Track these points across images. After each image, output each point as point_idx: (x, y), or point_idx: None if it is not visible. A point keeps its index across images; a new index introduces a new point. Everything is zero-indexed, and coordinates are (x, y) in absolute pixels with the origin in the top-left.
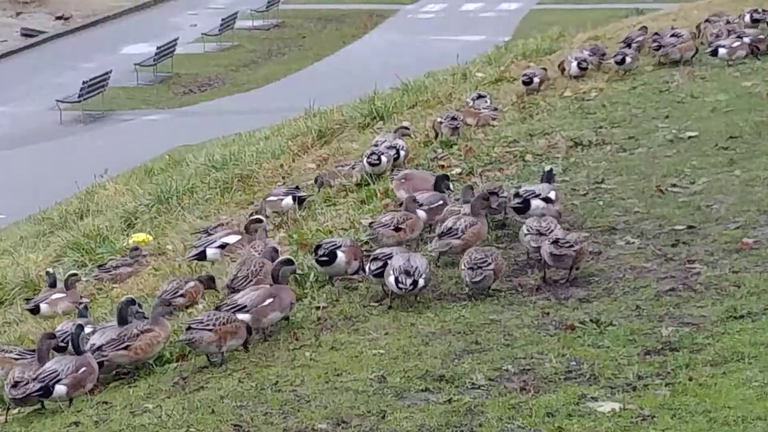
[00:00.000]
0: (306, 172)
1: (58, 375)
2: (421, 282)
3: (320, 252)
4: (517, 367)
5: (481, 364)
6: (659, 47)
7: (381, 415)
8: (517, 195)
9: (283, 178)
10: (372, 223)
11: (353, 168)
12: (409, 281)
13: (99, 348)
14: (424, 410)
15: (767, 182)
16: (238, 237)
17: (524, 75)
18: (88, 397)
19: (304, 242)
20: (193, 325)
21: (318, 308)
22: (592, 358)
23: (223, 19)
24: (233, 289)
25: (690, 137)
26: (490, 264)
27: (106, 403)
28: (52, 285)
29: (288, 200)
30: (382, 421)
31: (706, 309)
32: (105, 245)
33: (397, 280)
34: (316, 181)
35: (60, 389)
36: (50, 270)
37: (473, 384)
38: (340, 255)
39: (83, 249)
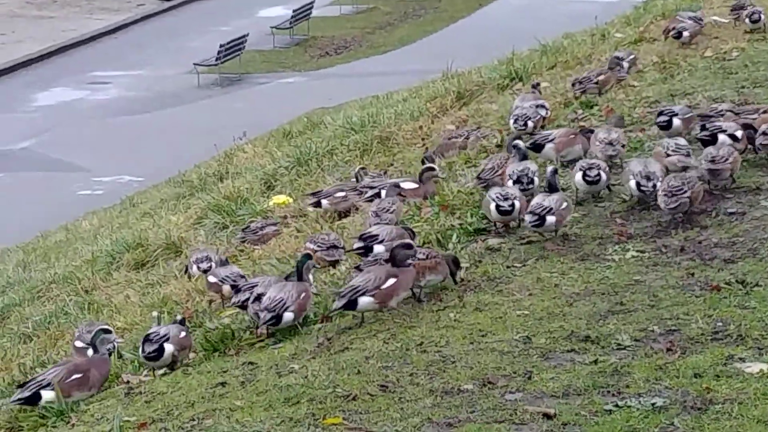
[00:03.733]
0: (444, 133)
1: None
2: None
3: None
4: (662, 328)
5: (626, 324)
6: None
7: (527, 376)
8: (703, 128)
9: (423, 139)
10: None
11: (467, 138)
12: (650, 184)
13: None
14: (570, 371)
15: None
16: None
17: (674, 29)
18: (234, 359)
19: (445, 204)
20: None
21: (462, 269)
22: (738, 319)
23: None
24: None
25: None
26: (686, 192)
27: (251, 363)
28: None
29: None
30: (529, 381)
31: None
32: (245, 207)
33: (638, 184)
34: (423, 162)
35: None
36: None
37: (619, 345)
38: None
39: (224, 211)
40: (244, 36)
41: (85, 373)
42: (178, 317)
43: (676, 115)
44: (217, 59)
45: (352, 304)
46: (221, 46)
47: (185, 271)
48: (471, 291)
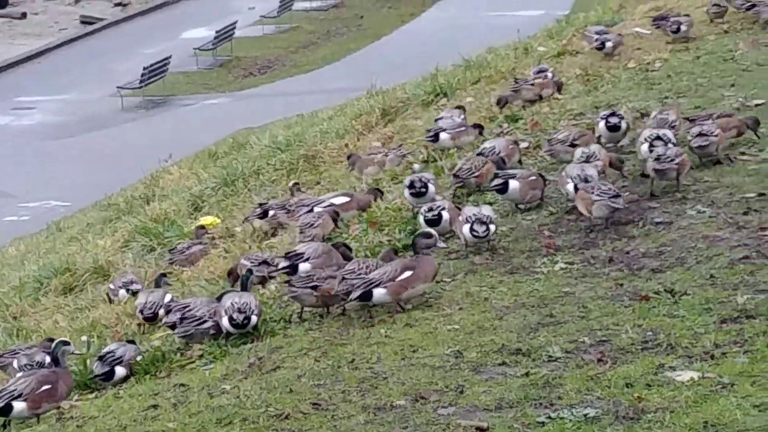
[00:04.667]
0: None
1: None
2: None
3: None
4: (593, 339)
5: (557, 336)
6: (752, 6)
7: (459, 390)
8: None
9: (348, 156)
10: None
11: (386, 156)
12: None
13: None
14: (502, 384)
15: None
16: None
17: (597, 40)
18: (165, 381)
19: (374, 221)
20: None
21: None
22: (668, 328)
23: (281, 1)
24: None
25: (757, 105)
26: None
27: (183, 385)
28: None
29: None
30: (461, 395)
31: None
32: (173, 229)
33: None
34: (349, 158)
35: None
36: None
37: (550, 357)
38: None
39: (151, 233)
40: (167, 58)
41: (54, 384)
42: None
43: (623, 118)
44: (140, 82)
45: (367, 296)
46: (144, 68)
47: (108, 296)
48: (400, 307)
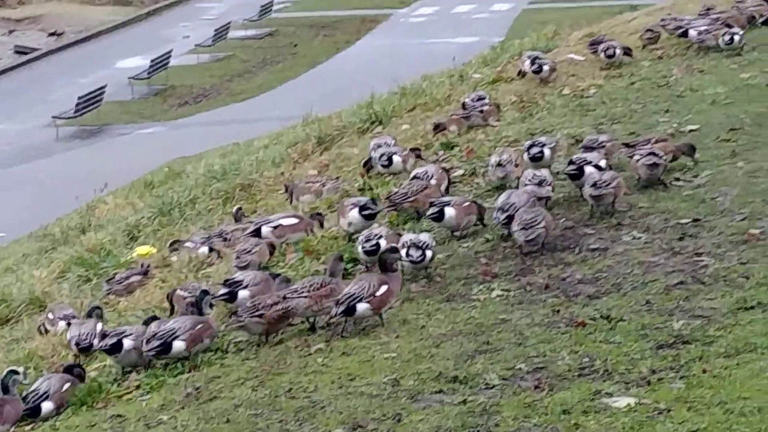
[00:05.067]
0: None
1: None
2: None
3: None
4: (530, 366)
5: (494, 364)
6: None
7: (396, 419)
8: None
9: (285, 186)
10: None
11: (324, 186)
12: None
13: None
14: (439, 412)
15: None
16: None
17: (534, 64)
18: (102, 412)
19: (310, 249)
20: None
21: (329, 314)
22: (604, 354)
23: (215, 30)
24: None
25: (691, 131)
26: (540, 222)
27: (120, 416)
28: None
29: (204, 249)
30: (398, 424)
31: (716, 301)
32: (109, 259)
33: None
34: (286, 188)
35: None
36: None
37: (487, 384)
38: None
39: (87, 264)
40: (102, 87)
41: (1, 408)
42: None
43: (545, 145)
44: (75, 111)
45: (350, 311)
46: (80, 98)
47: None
48: (338, 336)
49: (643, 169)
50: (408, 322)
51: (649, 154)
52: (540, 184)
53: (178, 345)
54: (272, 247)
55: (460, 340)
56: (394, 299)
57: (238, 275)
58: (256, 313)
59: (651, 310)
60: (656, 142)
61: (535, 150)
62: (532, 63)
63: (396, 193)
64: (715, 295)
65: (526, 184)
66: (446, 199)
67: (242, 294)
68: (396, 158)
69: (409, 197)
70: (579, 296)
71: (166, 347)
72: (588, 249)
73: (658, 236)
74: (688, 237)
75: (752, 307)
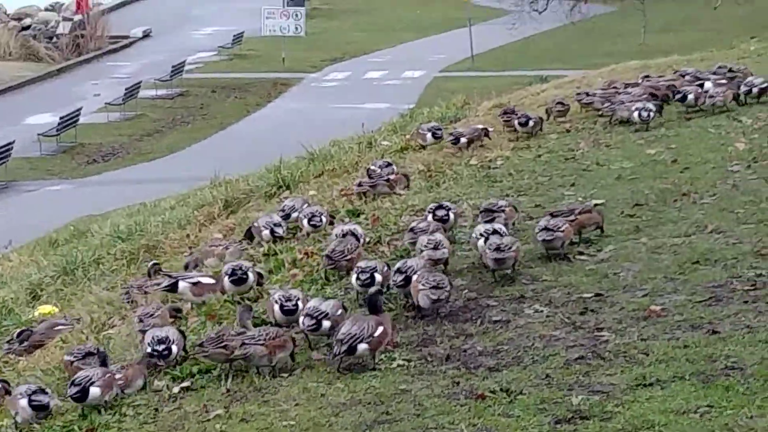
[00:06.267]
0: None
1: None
2: None
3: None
4: None
5: None
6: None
7: None
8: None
9: (190, 248)
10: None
11: (227, 249)
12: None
13: None
14: None
15: (673, 249)
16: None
17: (451, 134)
18: None
19: (212, 314)
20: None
21: (227, 379)
22: (503, 428)
23: (126, 89)
24: None
25: (596, 205)
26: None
27: None
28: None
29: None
30: None
31: (615, 377)
32: (11, 317)
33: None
34: (186, 267)
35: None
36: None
37: None
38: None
39: None
40: (10, 143)
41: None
42: None
43: (451, 209)
44: None
45: (351, 350)
46: None
47: None
48: (237, 401)
49: (539, 242)
50: (308, 390)
51: (544, 229)
52: (436, 247)
53: (95, 391)
54: (176, 311)
55: (360, 410)
56: (388, 339)
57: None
58: (221, 344)
59: (551, 384)
60: (580, 213)
61: (441, 212)
62: (434, 135)
63: (333, 250)
64: (614, 370)
65: (422, 250)
66: (373, 263)
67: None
68: (324, 219)
69: (346, 255)
70: (479, 368)
71: (84, 393)
72: (490, 321)
73: (560, 310)
74: (590, 312)
75: (651, 384)
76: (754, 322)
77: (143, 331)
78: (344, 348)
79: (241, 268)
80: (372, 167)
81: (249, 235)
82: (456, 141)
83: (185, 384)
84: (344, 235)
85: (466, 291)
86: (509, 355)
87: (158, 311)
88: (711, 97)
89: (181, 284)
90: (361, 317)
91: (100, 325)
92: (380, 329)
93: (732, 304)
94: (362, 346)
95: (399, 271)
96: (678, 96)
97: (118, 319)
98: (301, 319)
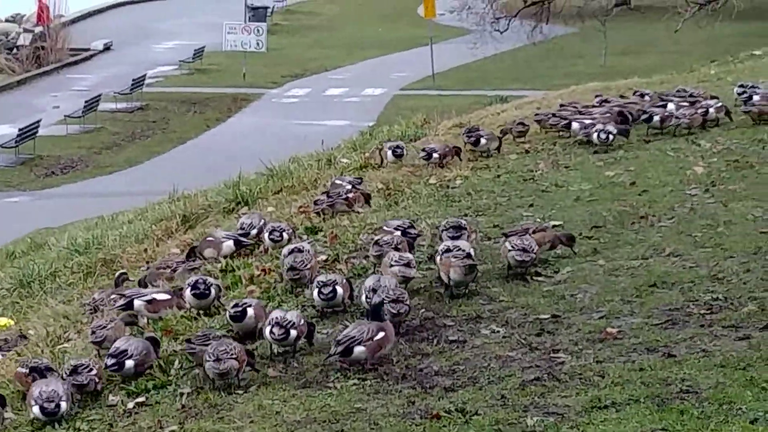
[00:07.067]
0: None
1: None
2: None
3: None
4: None
5: None
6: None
7: None
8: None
9: (147, 263)
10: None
11: (174, 271)
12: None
13: None
14: None
15: (630, 272)
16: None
17: (423, 149)
18: None
19: (169, 329)
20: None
21: (182, 395)
22: None
23: (86, 102)
24: None
25: (554, 226)
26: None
27: None
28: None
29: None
30: None
31: (570, 399)
32: None
33: (366, 297)
34: (139, 284)
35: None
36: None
37: None
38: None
39: None
40: None
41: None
42: None
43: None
44: None
45: (347, 352)
46: None
47: None
48: (192, 418)
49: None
50: (263, 408)
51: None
52: (408, 265)
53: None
54: (131, 317)
55: (315, 428)
56: (390, 345)
57: (121, 344)
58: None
59: (506, 405)
60: (534, 232)
61: (413, 232)
62: (394, 153)
63: (295, 261)
64: (570, 392)
65: (392, 265)
66: (333, 276)
67: (128, 363)
68: (285, 235)
69: (306, 265)
70: (435, 388)
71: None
72: (447, 340)
73: (516, 331)
74: (546, 333)
75: (606, 407)
76: (709, 345)
77: (97, 343)
78: (340, 349)
79: (204, 282)
80: (338, 181)
81: (191, 254)
82: (428, 157)
83: (140, 399)
84: (291, 252)
85: (423, 310)
86: (465, 375)
87: (111, 324)
88: (677, 118)
89: (136, 302)
90: (365, 322)
91: (55, 339)
92: (381, 334)
93: (688, 327)
94: (359, 349)
95: (374, 290)
96: (644, 117)
97: (74, 333)
98: (267, 329)
